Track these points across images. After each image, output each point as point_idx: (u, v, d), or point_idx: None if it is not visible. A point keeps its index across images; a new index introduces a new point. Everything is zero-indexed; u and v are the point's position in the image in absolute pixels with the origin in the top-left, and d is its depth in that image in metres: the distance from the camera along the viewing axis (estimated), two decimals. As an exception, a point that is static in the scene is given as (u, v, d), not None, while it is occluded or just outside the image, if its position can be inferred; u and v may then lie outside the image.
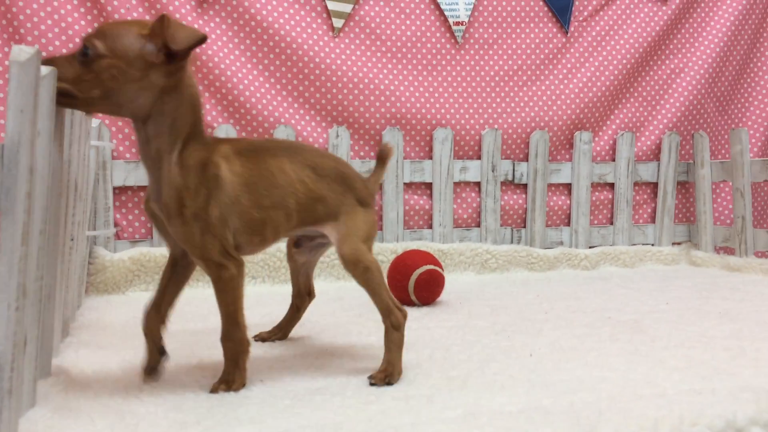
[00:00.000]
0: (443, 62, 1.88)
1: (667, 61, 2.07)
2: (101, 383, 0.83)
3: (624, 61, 2.00)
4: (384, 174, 0.98)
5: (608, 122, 2.03)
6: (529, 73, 1.95)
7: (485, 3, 1.92)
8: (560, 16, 1.96)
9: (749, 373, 0.88)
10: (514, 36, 1.94)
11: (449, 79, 1.88)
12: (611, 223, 2.03)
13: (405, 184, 1.83)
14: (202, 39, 0.75)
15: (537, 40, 1.96)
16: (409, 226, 1.84)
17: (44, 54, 0.68)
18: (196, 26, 1.65)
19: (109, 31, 0.75)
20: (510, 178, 1.92)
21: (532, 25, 1.96)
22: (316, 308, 1.34)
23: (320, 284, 1.63)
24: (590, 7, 2.00)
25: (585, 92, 1.97)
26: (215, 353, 0.98)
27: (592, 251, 1.93)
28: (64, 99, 0.75)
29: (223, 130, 1.66)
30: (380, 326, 1.12)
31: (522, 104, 1.93)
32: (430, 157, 1.85)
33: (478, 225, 1.90)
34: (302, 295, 1.09)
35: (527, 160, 1.93)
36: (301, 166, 0.88)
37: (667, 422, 0.68)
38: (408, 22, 1.85)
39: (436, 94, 1.86)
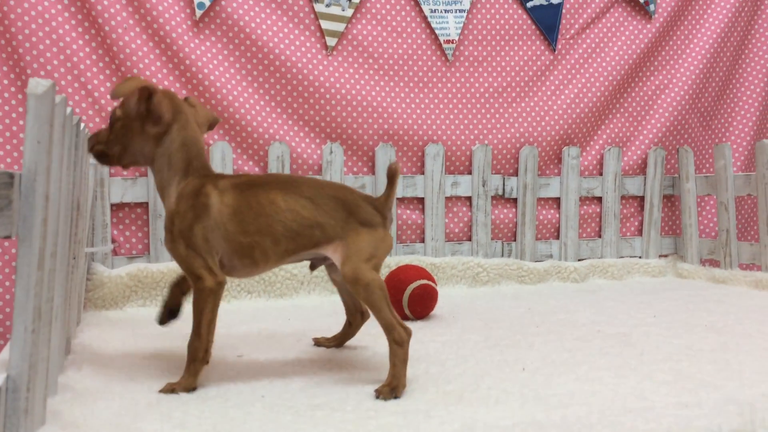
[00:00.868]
0: (434, 79, 1.92)
1: (652, 78, 2.12)
2: (106, 400, 0.85)
3: (610, 78, 2.05)
4: (394, 192, 1.03)
5: (595, 137, 2.07)
6: (518, 89, 1.99)
7: (475, 21, 1.96)
8: (548, 34, 2.01)
9: (734, 385, 0.91)
10: (503, 53, 1.98)
11: (440, 95, 1.92)
12: (599, 236, 2.07)
13: (398, 199, 1.86)
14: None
15: (525, 58, 2.00)
16: (401, 240, 1.87)
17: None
18: (191, 47, 1.68)
19: (125, 99, 0.97)
20: (500, 192, 1.95)
21: (520, 42, 2.00)
22: (311, 323, 1.37)
23: (315, 299, 1.66)
24: (577, 25, 2.04)
25: (573, 108, 2.01)
26: (217, 372, 1.01)
27: (581, 264, 1.97)
28: (102, 158, 1.00)
29: (219, 147, 1.68)
30: (377, 340, 1.16)
31: (511, 120, 1.97)
32: (422, 173, 1.88)
33: (470, 239, 1.93)
34: (353, 312, 1.15)
35: (517, 175, 1.97)
36: (295, 197, 0.98)
37: (656, 435, 0.71)
38: (399, 40, 1.89)
39: (428, 111, 1.90)
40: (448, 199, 1.91)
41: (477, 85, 1.96)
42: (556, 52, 2.02)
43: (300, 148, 1.78)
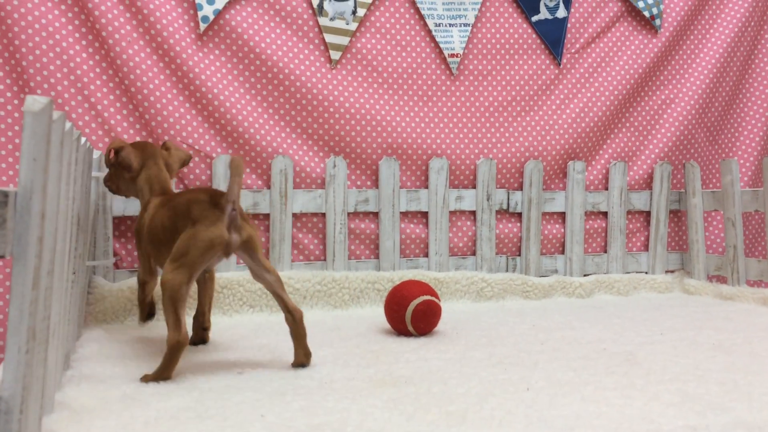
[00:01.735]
0: (438, 93, 1.91)
1: (658, 92, 2.10)
2: (102, 419, 0.84)
3: (616, 92, 2.04)
4: (233, 184, 1.05)
5: (601, 152, 2.06)
6: (522, 103, 1.98)
7: (479, 35, 1.96)
8: (553, 48, 2.00)
9: (742, 407, 0.89)
10: (507, 68, 1.98)
11: (444, 109, 1.91)
12: (605, 251, 2.05)
13: (401, 213, 1.85)
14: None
15: (530, 72, 1.99)
16: (405, 255, 1.86)
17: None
18: (195, 60, 1.68)
19: (107, 155, 1.32)
20: (505, 207, 1.94)
21: (525, 57, 1.99)
22: (312, 339, 1.35)
23: (317, 313, 1.64)
24: (582, 40, 2.04)
25: (578, 122, 2.00)
26: (216, 390, 0.99)
27: (587, 279, 1.95)
28: (111, 191, 1.36)
29: (222, 160, 1.68)
30: (379, 358, 1.14)
31: (516, 134, 1.96)
32: (426, 187, 1.87)
33: (474, 253, 1.92)
34: (284, 313, 1.15)
35: (521, 189, 1.95)
36: (165, 210, 1.15)
37: (663, 461, 0.69)
38: (404, 54, 1.89)
39: (432, 125, 1.89)
40: (452, 213, 1.90)
41: (482, 99, 1.95)
42: (561, 66, 2.02)
43: (303, 161, 1.77)
